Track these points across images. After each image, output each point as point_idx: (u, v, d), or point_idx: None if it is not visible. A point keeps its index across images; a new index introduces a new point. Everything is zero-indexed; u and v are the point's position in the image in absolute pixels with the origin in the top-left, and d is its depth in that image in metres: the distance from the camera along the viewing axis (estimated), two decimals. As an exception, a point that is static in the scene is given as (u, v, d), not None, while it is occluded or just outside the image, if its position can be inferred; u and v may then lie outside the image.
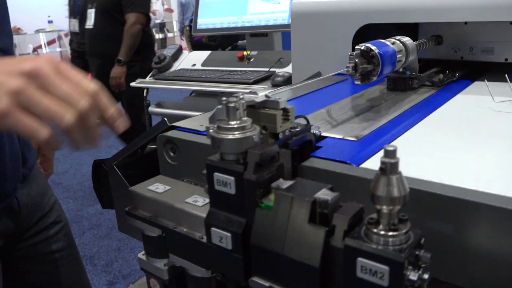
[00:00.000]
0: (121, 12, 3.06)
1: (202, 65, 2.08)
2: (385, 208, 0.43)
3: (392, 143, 0.70)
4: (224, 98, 0.53)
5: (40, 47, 8.91)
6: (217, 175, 0.54)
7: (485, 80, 0.91)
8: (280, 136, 0.59)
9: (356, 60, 0.81)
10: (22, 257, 1.07)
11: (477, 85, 1.07)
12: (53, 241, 1.11)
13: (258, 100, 0.58)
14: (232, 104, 0.52)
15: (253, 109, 0.60)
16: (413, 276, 0.42)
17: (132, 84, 2.06)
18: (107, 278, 2.57)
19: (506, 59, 1.11)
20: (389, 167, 0.42)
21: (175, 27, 9.23)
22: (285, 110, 0.59)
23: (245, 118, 0.54)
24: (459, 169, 0.60)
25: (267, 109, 0.59)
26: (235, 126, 0.52)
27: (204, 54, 2.17)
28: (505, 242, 0.49)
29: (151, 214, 0.67)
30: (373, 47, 0.82)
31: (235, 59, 1.99)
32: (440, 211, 0.52)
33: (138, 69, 3.21)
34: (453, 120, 0.81)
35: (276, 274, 0.50)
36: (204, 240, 0.58)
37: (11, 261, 1.05)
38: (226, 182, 0.53)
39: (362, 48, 0.83)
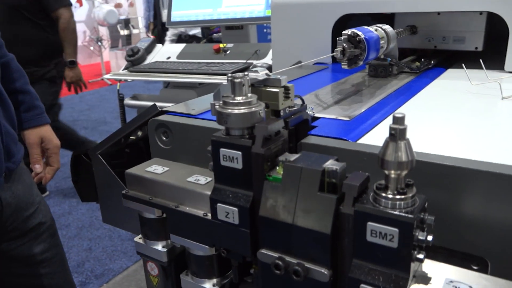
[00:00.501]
0: (35, 11, 2.65)
1: (177, 57, 2.07)
2: (393, 173, 0.45)
3: (385, 121, 0.73)
4: (229, 74, 0.54)
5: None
6: (223, 150, 0.55)
7: (463, 65, 0.97)
8: (281, 113, 0.61)
9: (344, 44, 0.84)
10: (3, 258, 1.03)
11: (451, 71, 1.13)
12: (36, 243, 1.07)
13: (260, 78, 0.59)
14: (238, 80, 0.53)
15: (253, 87, 0.61)
16: (421, 236, 0.45)
17: (106, 76, 2.01)
18: (79, 279, 2.50)
19: (476, 48, 1.17)
20: (399, 133, 0.44)
21: (140, 23, 9.08)
22: (286, 88, 0.60)
23: (250, 94, 0.55)
24: (448, 142, 0.63)
25: (268, 87, 0.60)
26: (242, 101, 0.53)
27: (178, 47, 2.15)
28: (495, 206, 0.52)
29: (150, 195, 0.66)
30: (359, 32, 0.85)
31: (211, 51, 1.99)
32: (436, 179, 0.55)
33: (54, 73, 2.86)
34: (436, 101, 0.85)
35: (285, 245, 0.52)
36: (209, 217, 0.59)
37: None
38: (233, 157, 0.54)
39: (349, 33, 0.85)
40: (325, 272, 0.49)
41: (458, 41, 1.20)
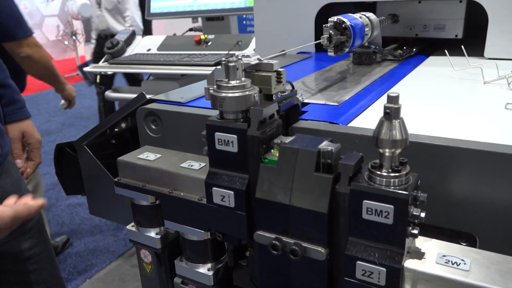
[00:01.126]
0: None
1: (158, 49, 2.04)
2: (387, 151, 0.47)
3: (372, 106, 0.74)
4: (223, 59, 0.54)
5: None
6: (218, 134, 0.55)
7: (446, 51, 0.99)
8: (274, 98, 0.61)
9: (331, 31, 0.85)
10: None
11: (432, 59, 1.15)
12: (24, 239, 1.05)
13: (253, 62, 0.59)
14: (232, 64, 0.53)
15: (246, 72, 0.61)
16: (416, 212, 0.46)
17: (86, 68, 1.97)
18: (62, 275, 2.47)
19: (456, 35, 1.20)
20: (393, 112, 0.45)
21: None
22: (278, 73, 0.61)
23: (244, 78, 0.55)
24: (436, 124, 0.65)
25: (261, 72, 0.60)
26: (236, 85, 0.53)
27: (158, 39, 2.13)
28: (483, 183, 0.54)
29: (144, 182, 0.66)
30: (345, 19, 0.86)
31: (192, 43, 1.98)
32: (425, 159, 0.57)
33: None
34: (421, 86, 0.88)
35: (282, 226, 0.52)
36: (204, 201, 0.59)
37: None
38: (228, 141, 0.54)
39: (335, 20, 0.86)
40: (322, 251, 0.50)
41: (438, 29, 1.23)
